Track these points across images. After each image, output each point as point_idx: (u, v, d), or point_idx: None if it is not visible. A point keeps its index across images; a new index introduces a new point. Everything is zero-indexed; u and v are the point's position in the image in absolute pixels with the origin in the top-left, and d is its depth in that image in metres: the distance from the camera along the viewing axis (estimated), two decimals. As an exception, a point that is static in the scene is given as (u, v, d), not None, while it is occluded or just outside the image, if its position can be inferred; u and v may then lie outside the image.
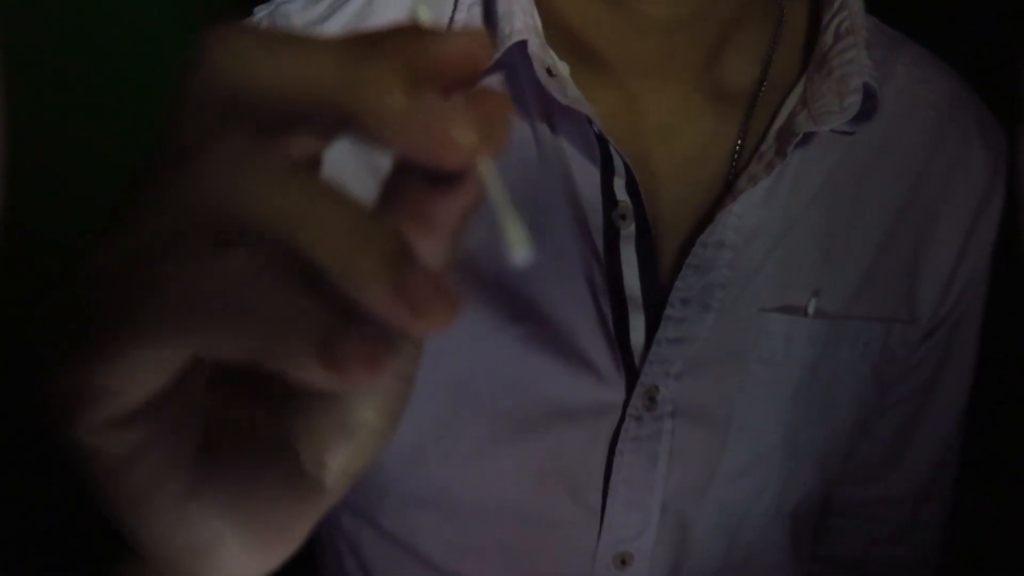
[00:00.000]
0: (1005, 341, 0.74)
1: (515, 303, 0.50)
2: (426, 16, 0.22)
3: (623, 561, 0.53)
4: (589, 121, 0.48)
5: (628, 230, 0.50)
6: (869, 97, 0.50)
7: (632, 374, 0.51)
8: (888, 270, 0.55)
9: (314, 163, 0.22)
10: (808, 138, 0.51)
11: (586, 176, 0.50)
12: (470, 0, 0.51)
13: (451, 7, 0.51)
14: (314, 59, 0.19)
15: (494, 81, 0.50)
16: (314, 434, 0.23)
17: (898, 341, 0.56)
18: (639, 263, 0.50)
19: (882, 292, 0.55)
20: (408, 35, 0.20)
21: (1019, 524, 0.77)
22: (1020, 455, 0.78)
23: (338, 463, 0.24)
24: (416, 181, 0.21)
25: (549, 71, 0.48)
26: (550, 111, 0.49)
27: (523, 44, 0.48)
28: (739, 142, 0.52)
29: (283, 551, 0.24)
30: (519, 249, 0.20)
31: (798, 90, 0.53)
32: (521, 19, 0.48)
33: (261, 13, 0.52)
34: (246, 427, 0.24)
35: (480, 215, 0.54)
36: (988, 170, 0.56)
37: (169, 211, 0.19)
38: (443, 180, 0.20)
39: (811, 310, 0.53)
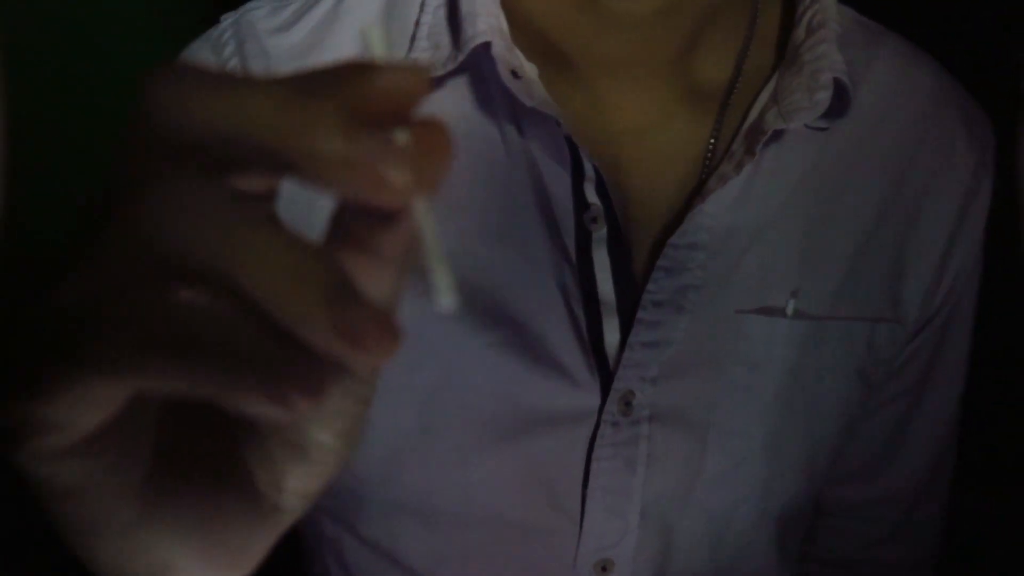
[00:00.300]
0: (1005, 341, 0.74)
1: (486, 309, 0.49)
2: (377, 38, 0.22)
3: (604, 568, 0.53)
4: (558, 123, 0.47)
5: (600, 233, 0.49)
6: (841, 92, 0.50)
7: (607, 379, 0.50)
8: (871, 269, 0.54)
9: (268, 197, 0.22)
10: (778, 135, 0.50)
11: (556, 179, 0.49)
12: (436, 2, 0.50)
13: (417, 9, 0.51)
14: (252, 101, 0.19)
15: (459, 83, 0.50)
16: (269, 458, 0.24)
17: (884, 341, 0.55)
18: (612, 266, 0.49)
19: (865, 291, 0.54)
20: (346, 73, 0.20)
21: (1019, 524, 0.77)
22: (1020, 455, 0.78)
23: (295, 485, 0.24)
24: (358, 216, 0.21)
25: (514, 73, 0.47)
26: (518, 113, 0.49)
27: (487, 46, 0.47)
28: (712, 141, 0.52)
29: (242, 570, 0.24)
30: (444, 298, 0.21)
31: (771, 86, 0.52)
32: (485, 20, 0.48)
33: (227, 21, 0.52)
34: (199, 452, 0.24)
35: (451, 223, 0.53)
36: (973, 165, 0.56)
37: (114, 250, 0.20)
38: (383, 215, 0.21)
39: (790, 311, 0.52)
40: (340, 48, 0.51)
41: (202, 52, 0.52)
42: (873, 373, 0.55)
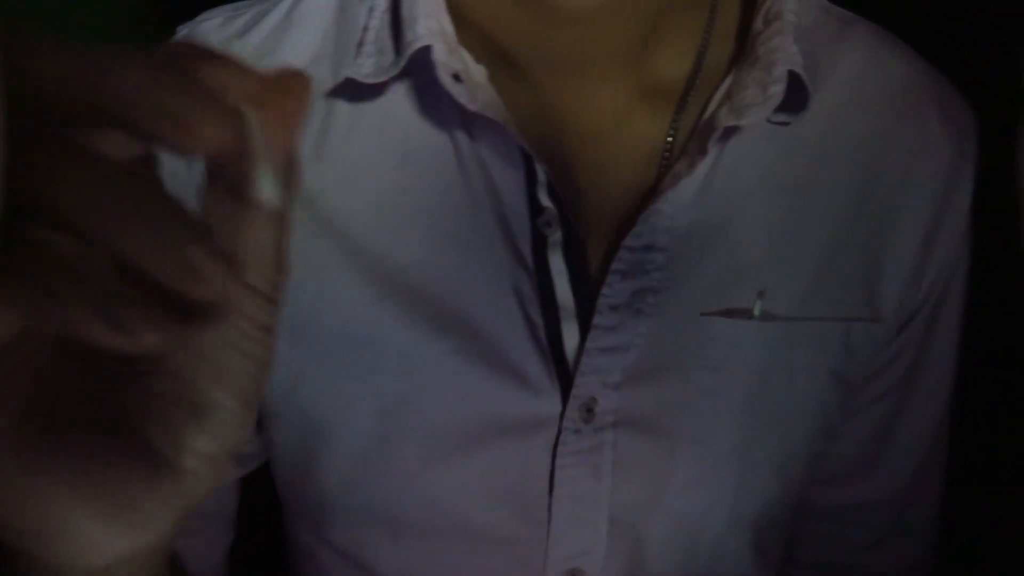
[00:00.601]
0: (1004, 341, 0.74)
1: (442, 316, 0.49)
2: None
3: None
4: (504, 126, 0.47)
5: (555, 237, 0.48)
6: (797, 86, 0.49)
7: (567, 386, 0.49)
8: (843, 266, 0.52)
9: (146, 160, 0.23)
10: (731, 132, 0.49)
11: (509, 183, 0.48)
12: (382, 7, 0.50)
13: (366, 15, 0.50)
14: (92, 58, 0.20)
15: (405, 89, 0.49)
16: (158, 413, 0.24)
17: (860, 341, 0.53)
18: (569, 271, 0.49)
19: (838, 290, 0.52)
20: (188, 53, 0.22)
21: (1019, 524, 0.77)
22: (1020, 455, 0.78)
23: (195, 446, 0.24)
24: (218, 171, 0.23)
25: (457, 76, 0.47)
26: (468, 118, 0.48)
27: (428, 50, 0.47)
28: (669, 139, 0.51)
29: (144, 532, 0.24)
30: (266, 192, 0.23)
31: (728, 81, 0.51)
32: (425, 24, 0.47)
33: (183, 31, 0.52)
34: (83, 404, 0.24)
35: (404, 230, 0.53)
36: (950, 155, 0.54)
37: None
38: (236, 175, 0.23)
39: (757, 312, 0.50)
40: (292, 55, 0.50)
41: None
42: (850, 374, 0.54)
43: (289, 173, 0.23)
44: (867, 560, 0.61)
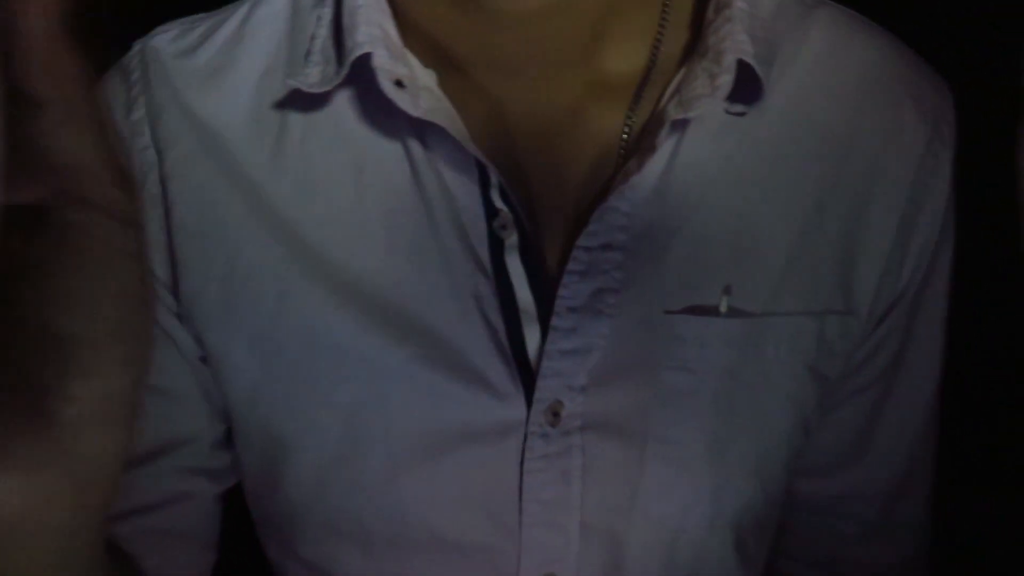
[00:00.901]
0: (1005, 341, 0.74)
1: (403, 323, 0.49)
2: None
3: None
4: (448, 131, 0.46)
5: (511, 239, 0.48)
6: (748, 75, 0.47)
7: (532, 390, 0.49)
8: (814, 259, 0.51)
9: None
10: (679, 126, 0.48)
11: (464, 188, 0.48)
12: (329, 16, 0.50)
13: (314, 23, 0.50)
14: None
15: (354, 97, 0.49)
16: (20, 355, 0.22)
17: (836, 334, 0.52)
18: (528, 273, 0.48)
19: (810, 283, 0.51)
20: None
21: (1019, 524, 0.77)
22: (1020, 455, 0.78)
23: (69, 390, 0.22)
24: None
25: (400, 82, 0.46)
26: (419, 124, 0.47)
27: (368, 57, 0.46)
28: (625, 136, 0.50)
29: (35, 493, 0.22)
30: None
31: (681, 73, 0.50)
32: (364, 31, 0.47)
33: (136, 47, 0.52)
34: None
35: (362, 238, 0.49)
36: (925, 139, 0.52)
37: None
38: None
39: (724, 308, 0.49)
40: (246, 67, 0.51)
41: (114, 79, 0.52)
42: (828, 369, 0.53)
43: (54, 56, 0.22)
44: (859, 554, 0.60)
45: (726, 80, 0.47)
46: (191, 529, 0.55)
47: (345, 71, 0.47)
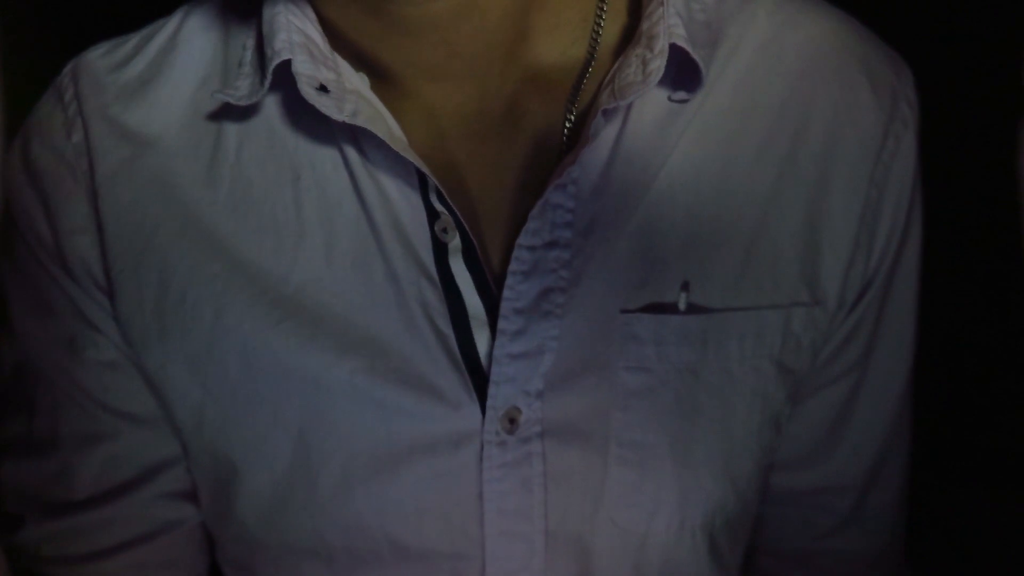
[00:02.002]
0: (1004, 341, 0.74)
1: (346, 336, 0.48)
2: None
3: None
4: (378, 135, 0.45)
5: (454, 243, 0.47)
6: (682, 60, 0.46)
7: (486, 398, 0.48)
8: (774, 250, 0.49)
9: None
10: (612, 115, 0.47)
11: (402, 192, 0.47)
12: (257, 26, 0.49)
13: (246, 33, 0.50)
14: None
15: (283, 104, 0.48)
16: None
17: (802, 326, 0.50)
18: (473, 276, 0.47)
19: (771, 275, 0.49)
20: None
21: (1019, 524, 0.77)
22: (1020, 455, 0.78)
23: None
24: None
25: (324, 87, 0.45)
26: (354, 131, 0.46)
27: (289, 63, 0.45)
28: (565, 131, 0.49)
29: None
30: None
31: (618, 62, 0.48)
32: (283, 38, 0.46)
33: (70, 66, 0.52)
34: None
35: (301, 249, 0.48)
36: (883, 121, 0.50)
37: None
38: None
39: (682, 305, 0.48)
40: (180, 77, 0.50)
41: (49, 99, 0.51)
42: (796, 363, 0.51)
43: None
44: (833, 546, 0.59)
45: (657, 66, 0.45)
46: (180, 559, 0.54)
47: (268, 80, 0.46)
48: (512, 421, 0.48)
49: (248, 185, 0.49)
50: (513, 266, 0.47)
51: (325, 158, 0.48)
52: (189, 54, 0.50)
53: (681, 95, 0.48)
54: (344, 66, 0.48)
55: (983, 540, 0.77)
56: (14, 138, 0.52)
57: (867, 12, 0.55)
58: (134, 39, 0.52)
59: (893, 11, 0.56)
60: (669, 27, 0.46)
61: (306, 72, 0.46)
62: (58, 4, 0.74)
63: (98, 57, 0.51)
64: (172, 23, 0.52)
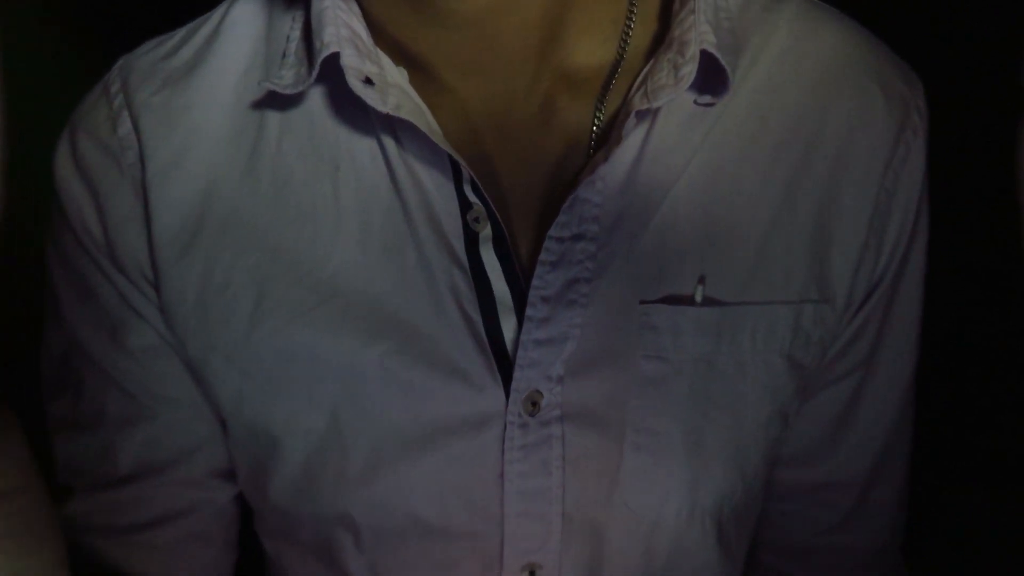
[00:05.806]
0: (1005, 341, 0.74)
1: (378, 319, 0.49)
2: None
3: (532, 572, 0.52)
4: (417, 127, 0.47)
5: (485, 232, 0.49)
6: (712, 65, 0.48)
7: (510, 381, 0.49)
8: (786, 248, 0.51)
9: None
10: (643, 116, 0.49)
11: (437, 183, 0.49)
12: (303, 17, 0.51)
13: (290, 24, 0.51)
14: None
15: (327, 96, 0.50)
16: None
17: (812, 323, 0.52)
18: (503, 265, 0.49)
19: (783, 272, 0.51)
20: None
21: (1019, 524, 0.77)
22: (1020, 455, 0.78)
23: None
24: None
25: (369, 80, 0.47)
26: (391, 121, 0.48)
27: (337, 56, 0.47)
28: (595, 128, 0.51)
29: None
30: None
31: (649, 65, 0.50)
32: (331, 31, 0.48)
33: (120, 62, 0.53)
34: None
35: (338, 236, 0.50)
36: (895, 128, 0.52)
37: None
38: None
39: (699, 297, 0.50)
40: (224, 65, 0.52)
41: (96, 93, 0.53)
42: (805, 358, 0.53)
43: None
44: (834, 542, 0.61)
45: (689, 71, 0.47)
46: (214, 533, 0.57)
47: (316, 71, 0.48)
48: (534, 404, 0.50)
49: (289, 175, 0.50)
50: (543, 256, 0.48)
51: (363, 149, 0.50)
52: (233, 43, 0.52)
53: (707, 99, 0.50)
54: (385, 60, 0.49)
55: (983, 540, 0.77)
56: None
57: (867, 12, 0.55)
58: (181, 32, 0.54)
59: (893, 11, 0.56)
60: (700, 34, 0.48)
61: (353, 65, 0.47)
62: (58, 4, 0.74)
63: (146, 52, 0.53)
64: (217, 14, 0.54)
